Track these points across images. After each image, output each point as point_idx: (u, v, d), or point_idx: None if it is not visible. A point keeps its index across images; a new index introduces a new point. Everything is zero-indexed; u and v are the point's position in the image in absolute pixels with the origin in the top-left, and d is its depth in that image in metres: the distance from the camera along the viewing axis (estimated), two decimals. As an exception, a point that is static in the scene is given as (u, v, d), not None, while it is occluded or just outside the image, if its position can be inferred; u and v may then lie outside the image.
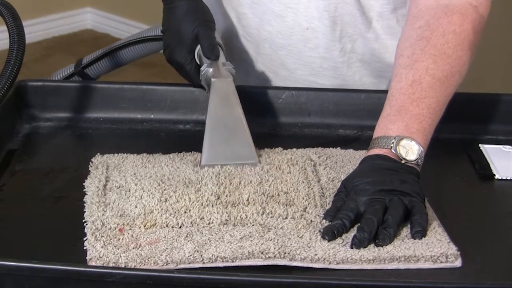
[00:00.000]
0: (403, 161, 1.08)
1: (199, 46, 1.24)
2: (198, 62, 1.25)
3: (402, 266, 0.98)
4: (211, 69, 1.21)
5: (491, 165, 1.21)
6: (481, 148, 1.26)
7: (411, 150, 1.08)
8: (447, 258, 0.98)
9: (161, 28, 1.29)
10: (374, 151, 1.10)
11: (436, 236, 1.02)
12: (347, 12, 1.32)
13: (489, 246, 1.04)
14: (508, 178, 1.19)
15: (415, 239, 1.01)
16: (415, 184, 1.06)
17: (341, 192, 1.07)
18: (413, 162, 1.08)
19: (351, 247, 0.99)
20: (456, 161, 1.24)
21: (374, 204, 1.02)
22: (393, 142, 1.08)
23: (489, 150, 1.25)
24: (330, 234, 1.00)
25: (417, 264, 0.98)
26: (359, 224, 1.01)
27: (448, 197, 1.13)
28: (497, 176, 1.19)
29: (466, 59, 1.18)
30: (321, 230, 1.01)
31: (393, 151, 1.08)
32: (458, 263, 0.98)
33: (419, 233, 1.01)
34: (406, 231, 1.03)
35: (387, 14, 1.32)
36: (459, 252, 0.99)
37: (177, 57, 1.25)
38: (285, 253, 0.97)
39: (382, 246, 0.99)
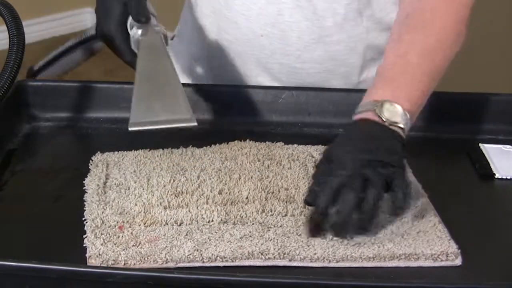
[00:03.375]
0: (386, 123, 1.05)
1: (130, 17, 1.17)
2: (132, 34, 1.16)
3: (402, 264, 0.98)
4: (139, 30, 1.14)
5: (491, 165, 1.21)
6: (481, 148, 1.26)
7: (396, 114, 1.05)
8: (447, 256, 0.98)
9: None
10: (358, 116, 1.07)
11: (436, 233, 1.02)
12: (303, 18, 1.30)
13: (489, 246, 1.04)
14: (508, 177, 1.19)
15: (394, 215, 1.00)
16: (397, 153, 1.02)
17: (322, 164, 1.03)
18: (397, 125, 1.05)
19: (333, 234, 0.98)
20: (456, 161, 1.24)
21: (353, 181, 0.99)
22: (377, 105, 1.06)
23: (489, 149, 1.25)
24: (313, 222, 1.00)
25: (417, 262, 0.98)
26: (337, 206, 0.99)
27: (448, 197, 1.13)
28: (497, 176, 1.19)
29: (455, 35, 1.16)
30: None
31: (376, 112, 1.05)
32: (458, 261, 0.99)
33: (399, 209, 1.00)
34: (406, 227, 1.03)
35: (353, 15, 1.30)
36: (459, 251, 0.99)
37: (106, 30, 1.17)
38: (284, 253, 0.97)
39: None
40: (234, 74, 1.38)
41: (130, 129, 1.01)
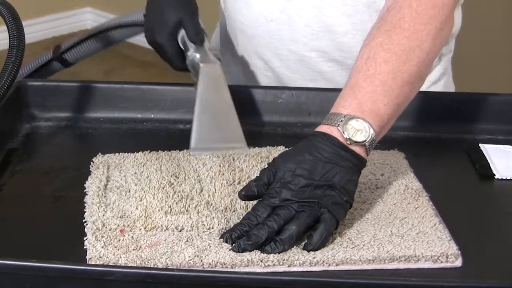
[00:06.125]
0: (348, 142, 1.02)
1: (182, 32, 1.25)
2: (182, 47, 1.25)
3: (402, 266, 0.98)
4: (198, 55, 1.22)
5: (491, 165, 1.21)
6: (481, 148, 1.26)
7: (360, 131, 1.03)
8: (447, 258, 0.98)
9: (143, 13, 1.30)
10: (322, 128, 1.05)
11: (436, 234, 1.02)
12: (311, 5, 1.30)
13: (489, 246, 1.04)
14: (508, 178, 1.19)
15: (303, 248, 0.98)
16: (342, 187, 1.00)
17: (270, 169, 1.03)
18: (359, 144, 1.03)
19: (232, 249, 0.98)
20: (456, 161, 1.24)
21: (281, 209, 0.99)
22: (341, 120, 1.03)
23: (489, 149, 1.25)
24: (228, 239, 0.99)
25: (417, 264, 0.98)
26: (252, 228, 0.99)
27: (448, 197, 1.13)
28: (497, 176, 1.19)
29: (427, 34, 1.09)
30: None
31: (339, 129, 1.03)
32: (458, 262, 0.98)
33: (307, 246, 0.98)
34: (406, 227, 1.03)
35: (361, 8, 1.30)
36: (459, 252, 0.99)
37: (158, 38, 1.25)
38: (283, 259, 0.97)
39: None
40: (244, 58, 1.40)
41: (191, 153, 1.17)
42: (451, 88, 1.47)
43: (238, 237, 0.99)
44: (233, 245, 0.98)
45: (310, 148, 1.03)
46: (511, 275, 1.00)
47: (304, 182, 1.00)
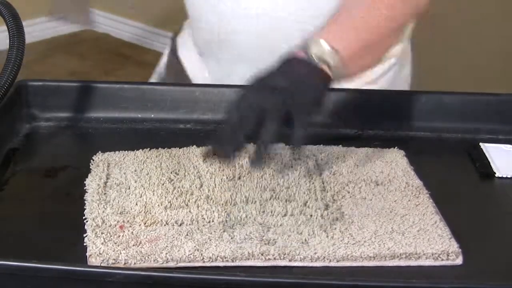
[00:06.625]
0: (313, 59, 1.06)
1: None
2: None
3: (403, 263, 0.98)
4: None
5: (491, 164, 1.21)
6: (481, 147, 1.26)
7: (323, 51, 1.07)
8: (448, 256, 0.98)
9: None
10: (289, 53, 1.09)
11: (437, 232, 1.02)
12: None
13: (489, 245, 1.04)
14: (509, 176, 1.19)
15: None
16: (311, 87, 1.05)
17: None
18: (324, 61, 1.07)
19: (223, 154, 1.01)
20: (457, 160, 1.24)
21: (249, 110, 1.01)
22: (307, 44, 1.08)
23: (489, 148, 1.25)
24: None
25: (418, 261, 0.98)
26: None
27: (448, 195, 1.13)
28: (497, 175, 1.19)
29: None
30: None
31: (303, 50, 1.07)
32: (459, 260, 0.99)
33: (295, 148, 1.02)
34: (406, 224, 1.03)
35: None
36: (460, 250, 0.99)
37: None
38: (284, 253, 0.97)
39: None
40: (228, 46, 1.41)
41: None
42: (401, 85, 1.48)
43: (220, 139, 1.01)
44: (222, 152, 1.00)
45: (276, 66, 1.06)
46: (511, 274, 1.00)
47: (267, 82, 1.03)
